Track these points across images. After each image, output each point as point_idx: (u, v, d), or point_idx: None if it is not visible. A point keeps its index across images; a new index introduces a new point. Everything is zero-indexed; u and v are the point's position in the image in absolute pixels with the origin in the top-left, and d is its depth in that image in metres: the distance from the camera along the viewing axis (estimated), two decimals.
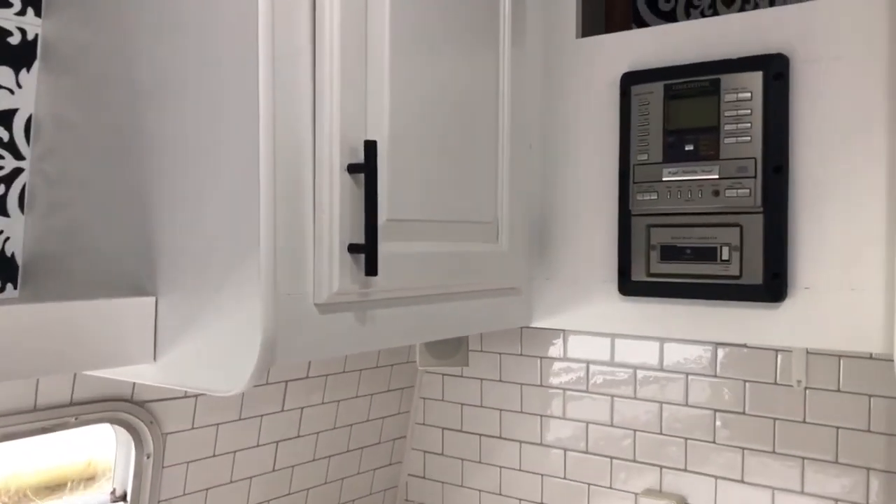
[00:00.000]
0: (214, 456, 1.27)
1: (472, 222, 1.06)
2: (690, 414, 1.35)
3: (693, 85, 1.03)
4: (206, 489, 1.27)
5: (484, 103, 1.08)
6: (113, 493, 1.17)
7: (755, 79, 0.99)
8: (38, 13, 0.98)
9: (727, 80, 1.01)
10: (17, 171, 0.99)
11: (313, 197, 0.85)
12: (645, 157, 1.07)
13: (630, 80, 1.09)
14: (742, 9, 1.34)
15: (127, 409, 1.13)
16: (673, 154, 1.04)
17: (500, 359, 1.55)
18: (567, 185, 1.17)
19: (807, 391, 1.24)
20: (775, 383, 1.27)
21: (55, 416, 1.04)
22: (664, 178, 1.05)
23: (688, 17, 1.39)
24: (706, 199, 1.02)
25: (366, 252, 0.85)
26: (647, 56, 1.10)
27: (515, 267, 1.14)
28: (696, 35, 1.06)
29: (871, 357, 1.19)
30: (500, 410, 1.55)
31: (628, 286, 1.10)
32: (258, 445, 1.34)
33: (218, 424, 1.26)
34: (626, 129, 1.09)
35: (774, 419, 1.27)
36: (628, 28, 1.36)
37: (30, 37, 0.98)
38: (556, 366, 1.49)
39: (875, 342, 0.94)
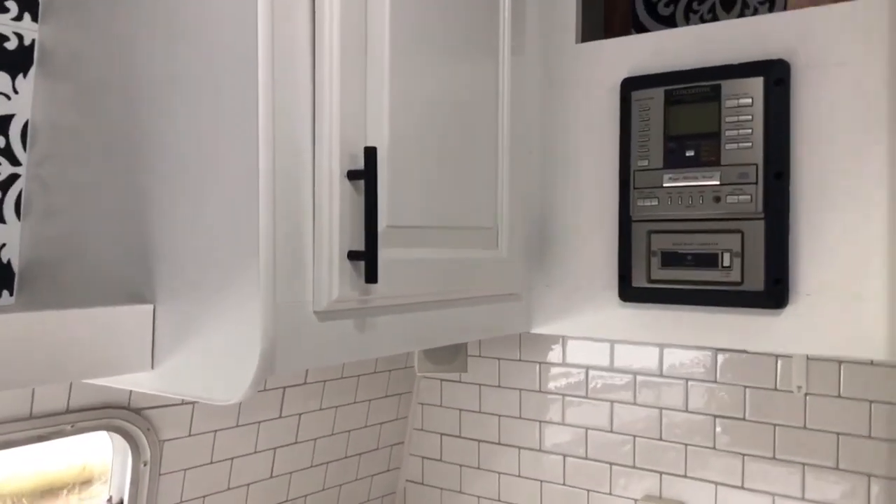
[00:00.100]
0: (212, 463, 1.26)
1: (471, 228, 1.05)
2: (690, 419, 1.34)
3: (694, 90, 1.03)
4: (204, 496, 1.26)
5: (484, 109, 1.07)
6: (109, 500, 1.16)
7: (756, 84, 0.99)
8: (34, 18, 0.97)
9: (728, 85, 1.01)
10: (14, 177, 0.98)
11: (313, 204, 0.84)
12: (645, 162, 1.06)
13: (630, 86, 1.08)
14: (741, 14, 1.33)
15: (124, 416, 1.12)
16: (674, 160, 1.04)
17: (499, 364, 1.54)
18: (567, 191, 1.17)
19: (807, 397, 1.24)
20: (775, 389, 1.27)
21: (51, 423, 1.04)
22: (665, 184, 1.05)
23: (687, 21, 1.38)
24: (707, 205, 1.02)
25: (366, 259, 0.85)
26: (648, 61, 1.09)
27: (515, 273, 1.14)
28: (697, 40, 1.06)
29: (871, 363, 1.19)
30: (499, 416, 1.55)
31: (629, 292, 1.09)
32: (256, 452, 1.33)
33: (215, 431, 1.25)
34: (627, 135, 1.09)
35: (774, 425, 1.27)
36: (628, 33, 1.35)
37: (26, 42, 0.97)
38: (555, 371, 1.48)
39: (877, 349, 0.94)
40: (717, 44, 1.04)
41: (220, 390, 0.80)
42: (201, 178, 0.81)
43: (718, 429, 1.32)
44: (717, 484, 1.32)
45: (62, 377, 0.79)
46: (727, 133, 1.00)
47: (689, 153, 1.03)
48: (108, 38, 0.91)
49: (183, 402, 1.19)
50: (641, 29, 1.42)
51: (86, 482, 1.16)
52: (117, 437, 1.14)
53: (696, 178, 1.02)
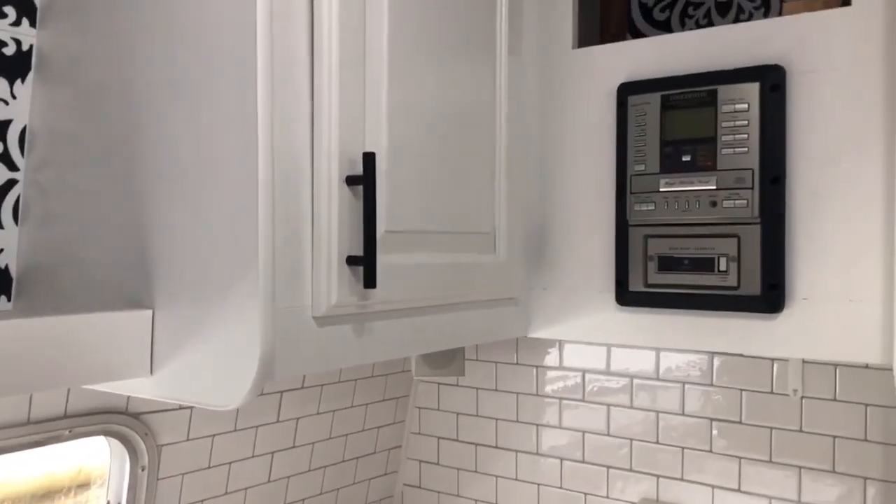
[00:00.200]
0: (209, 467, 1.26)
1: (469, 233, 1.06)
2: (687, 423, 1.35)
3: (690, 96, 1.03)
4: (202, 501, 1.26)
5: (481, 114, 1.08)
6: None
7: (752, 90, 1.00)
8: (32, 24, 0.97)
9: (724, 90, 1.01)
10: (12, 183, 0.98)
11: (311, 209, 0.84)
12: (642, 167, 1.07)
13: (627, 91, 1.09)
14: (736, 19, 1.34)
15: (121, 421, 1.12)
16: (670, 165, 1.05)
17: (496, 368, 1.55)
18: (564, 196, 1.17)
19: (803, 400, 1.24)
20: (771, 392, 1.27)
21: (49, 429, 1.04)
22: (661, 189, 1.05)
23: (683, 26, 1.39)
24: (704, 209, 1.02)
25: (364, 264, 0.85)
26: (644, 66, 1.10)
27: (513, 277, 1.14)
28: (693, 46, 1.07)
29: (867, 366, 1.19)
30: (496, 420, 1.55)
31: (626, 297, 1.10)
32: (253, 456, 1.33)
33: (213, 436, 1.25)
34: (623, 140, 1.09)
35: (771, 428, 1.27)
36: (623, 38, 1.36)
37: (24, 47, 0.97)
38: (552, 374, 1.48)
39: (874, 353, 0.95)
40: (713, 49, 1.05)
41: (219, 396, 0.80)
42: (200, 183, 0.81)
43: (715, 432, 1.32)
44: (713, 487, 1.33)
45: (61, 383, 0.79)
46: (723, 138, 1.01)
47: (686, 158, 1.03)
48: (107, 44, 0.91)
49: (181, 407, 1.19)
50: (637, 34, 1.42)
51: (82, 486, 1.16)
52: (115, 441, 1.14)
53: (692, 183, 1.03)
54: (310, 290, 0.84)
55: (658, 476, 1.38)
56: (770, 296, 0.99)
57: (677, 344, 1.09)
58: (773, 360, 1.27)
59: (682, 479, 1.35)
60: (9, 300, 0.98)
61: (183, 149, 0.83)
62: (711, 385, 1.32)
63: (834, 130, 0.97)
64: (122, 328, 0.82)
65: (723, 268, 1.02)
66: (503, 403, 1.54)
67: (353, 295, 0.86)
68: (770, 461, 1.27)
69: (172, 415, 1.18)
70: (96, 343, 0.79)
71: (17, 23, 0.96)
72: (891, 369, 0.92)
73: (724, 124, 1.01)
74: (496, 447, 1.55)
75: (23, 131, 0.98)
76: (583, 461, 1.45)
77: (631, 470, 1.40)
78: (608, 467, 1.43)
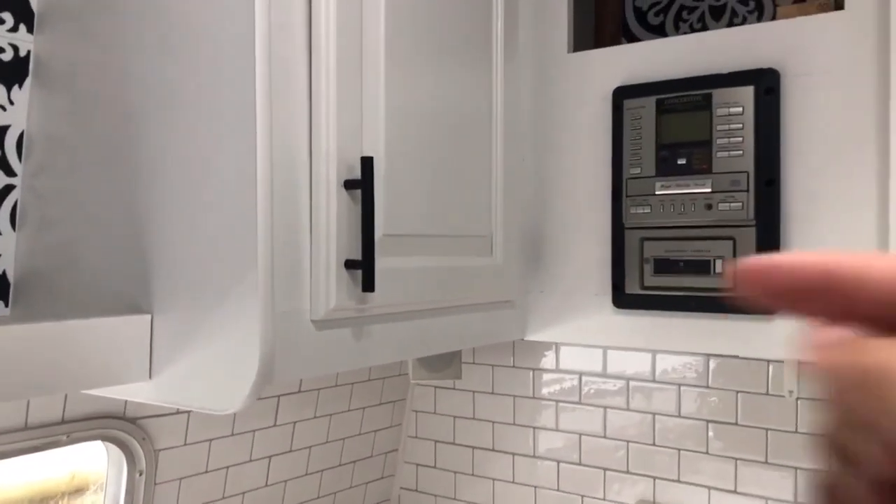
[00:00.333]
0: (207, 472, 1.26)
1: (466, 236, 1.06)
2: (683, 424, 1.35)
3: (685, 99, 1.04)
4: None
5: (478, 118, 1.08)
6: None
7: (747, 93, 1.00)
8: (30, 30, 0.97)
9: (719, 94, 1.02)
10: (9, 188, 0.98)
11: (310, 213, 0.84)
12: (638, 170, 1.07)
13: (622, 95, 1.09)
14: (730, 23, 1.35)
15: (119, 426, 1.12)
16: (666, 168, 1.05)
17: (493, 371, 1.55)
18: (561, 199, 1.18)
19: (798, 401, 1.25)
20: (767, 394, 1.28)
21: (46, 434, 1.03)
22: (657, 192, 1.06)
23: (677, 30, 1.40)
24: (699, 212, 1.03)
25: (363, 268, 0.85)
26: (639, 70, 1.10)
27: (510, 280, 1.15)
28: (688, 50, 1.07)
29: None
30: (493, 423, 1.55)
31: (622, 299, 1.10)
32: (251, 460, 1.33)
33: (210, 440, 1.25)
34: (619, 143, 1.10)
35: (767, 429, 1.28)
36: (618, 42, 1.37)
37: (22, 53, 0.97)
38: (549, 377, 1.49)
39: None
40: (707, 53, 1.06)
41: (218, 400, 0.80)
42: (199, 188, 0.82)
43: (711, 433, 1.33)
44: (709, 488, 1.33)
45: (59, 388, 0.79)
46: (718, 141, 1.02)
47: (681, 161, 1.04)
48: (105, 50, 0.91)
49: (178, 412, 1.19)
50: (631, 38, 1.43)
51: (77, 491, 1.16)
52: (112, 446, 1.14)
53: (687, 186, 1.04)
54: (308, 294, 0.85)
55: (654, 478, 1.38)
56: None
57: (673, 346, 1.09)
58: (768, 361, 1.27)
59: (678, 481, 1.36)
60: (6, 306, 0.98)
61: (182, 154, 0.83)
62: (707, 387, 1.33)
63: (828, 133, 0.98)
64: (120, 333, 0.82)
65: (719, 270, 1.02)
66: (500, 406, 1.54)
67: (351, 299, 0.87)
68: (766, 462, 1.28)
69: (170, 419, 1.18)
70: (95, 348, 0.79)
71: (14, 29, 0.96)
72: None
73: (719, 127, 1.02)
74: (493, 450, 1.55)
75: (20, 137, 0.98)
76: (579, 463, 1.46)
77: (627, 472, 1.41)
78: (605, 469, 1.43)
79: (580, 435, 1.45)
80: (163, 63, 0.85)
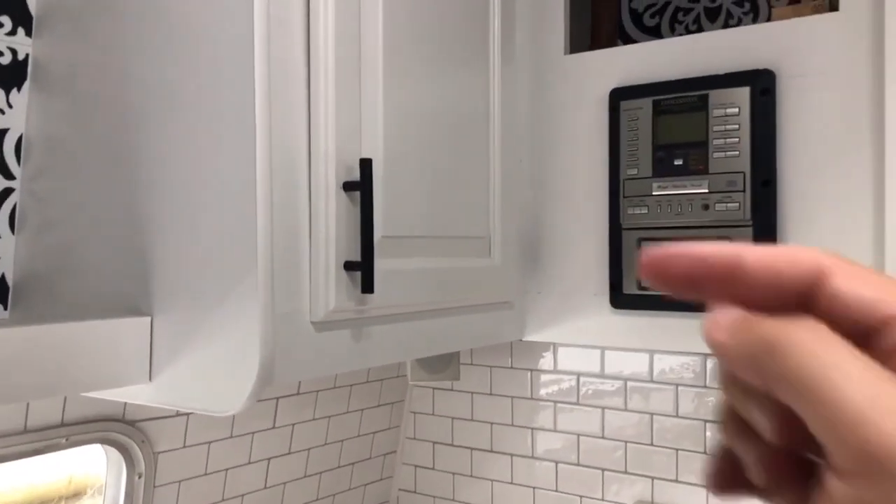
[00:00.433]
0: (206, 474, 1.26)
1: (465, 237, 1.06)
2: (680, 424, 1.35)
3: (681, 100, 1.05)
4: None
5: (475, 120, 1.08)
6: None
7: (742, 94, 1.01)
8: (28, 33, 0.98)
9: (715, 95, 1.03)
10: (8, 191, 0.98)
11: (309, 215, 0.85)
12: (635, 171, 1.08)
13: (619, 96, 1.10)
14: (726, 25, 1.35)
15: (118, 428, 1.12)
16: (662, 169, 1.06)
17: (491, 372, 1.55)
18: (558, 200, 1.18)
19: None
20: None
21: (46, 437, 1.03)
22: (654, 193, 1.06)
23: (672, 32, 1.40)
24: (696, 212, 1.03)
25: (362, 269, 0.86)
26: (636, 72, 1.11)
27: (508, 281, 1.15)
28: (684, 51, 1.08)
29: None
30: (491, 424, 1.55)
31: (620, 299, 1.11)
32: (250, 463, 1.33)
33: (209, 443, 1.25)
34: (616, 144, 1.10)
35: None
36: (614, 44, 1.37)
37: (20, 57, 0.97)
38: (547, 378, 1.49)
39: None
40: (703, 54, 1.06)
41: (218, 401, 0.80)
42: (198, 189, 0.82)
43: (709, 433, 1.33)
44: None
45: (59, 391, 0.79)
46: (715, 142, 1.02)
47: (678, 162, 1.05)
48: (103, 52, 0.91)
49: (177, 414, 1.19)
50: (628, 40, 1.44)
51: (75, 495, 1.16)
52: (112, 449, 1.14)
53: (684, 187, 1.04)
54: (308, 296, 0.85)
55: (653, 478, 1.39)
56: None
57: (671, 346, 1.10)
58: None
59: (676, 481, 1.36)
60: (5, 309, 0.99)
61: (180, 156, 0.84)
62: (705, 387, 1.33)
63: (823, 133, 0.99)
64: (120, 335, 0.82)
65: None
66: (498, 407, 1.55)
67: (350, 300, 0.87)
68: None
69: (169, 422, 1.18)
70: (95, 350, 0.79)
71: (12, 32, 0.96)
72: None
73: (715, 128, 1.02)
74: (491, 451, 1.56)
75: (19, 140, 0.98)
76: (578, 464, 1.46)
77: (626, 472, 1.41)
78: (603, 470, 1.43)
79: (578, 435, 1.46)
80: (162, 65, 0.85)
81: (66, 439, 1.06)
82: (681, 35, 1.31)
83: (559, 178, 1.18)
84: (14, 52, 0.97)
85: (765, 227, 1.00)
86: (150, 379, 0.84)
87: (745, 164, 1.01)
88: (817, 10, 1.03)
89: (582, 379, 1.45)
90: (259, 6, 0.77)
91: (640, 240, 1.08)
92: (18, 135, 0.98)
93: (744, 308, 0.27)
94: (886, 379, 0.23)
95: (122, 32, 0.89)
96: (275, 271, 0.79)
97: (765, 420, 0.27)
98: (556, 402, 1.48)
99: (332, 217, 0.85)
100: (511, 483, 1.54)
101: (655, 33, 1.41)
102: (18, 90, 0.97)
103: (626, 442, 1.41)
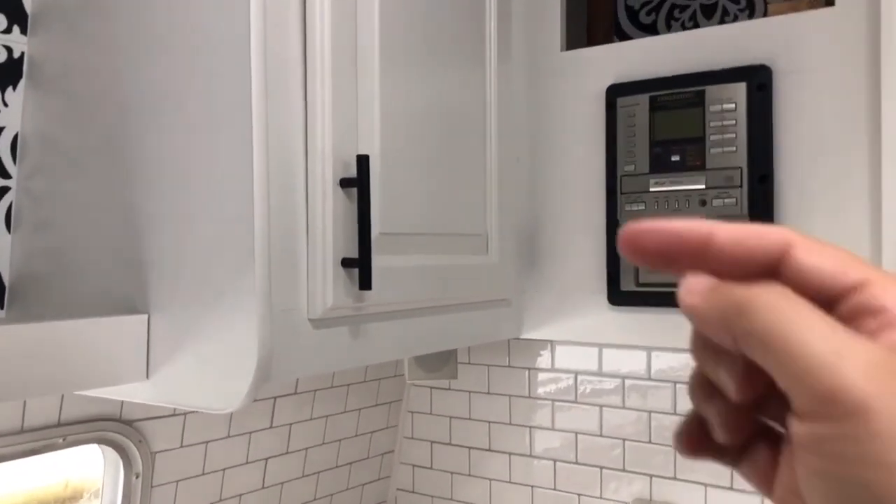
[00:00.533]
0: (204, 474, 1.26)
1: (462, 235, 1.06)
2: (679, 422, 1.35)
3: (678, 96, 1.05)
4: None
5: (472, 118, 1.08)
6: None
7: (739, 90, 1.01)
8: (24, 31, 0.97)
9: (712, 91, 1.03)
10: (4, 190, 0.98)
11: (306, 212, 0.85)
12: (632, 167, 1.08)
13: (616, 92, 1.10)
14: (722, 21, 1.36)
15: (115, 428, 1.11)
16: (659, 165, 1.06)
17: (488, 371, 1.55)
18: (555, 197, 1.18)
19: None
20: None
21: (43, 437, 1.03)
22: (651, 189, 1.06)
23: (669, 29, 1.40)
24: (693, 208, 1.03)
25: (359, 266, 0.86)
26: (633, 68, 1.11)
27: (505, 279, 1.15)
28: (681, 47, 1.08)
29: None
30: (489, 423, 1.55)
31: (618, 296, 1.11)
32: (247, 463, 1.33)
33: (207, 442, 1.25)
34: (613, 141, 1.10)
35: None
36: (610, 41, 1.37)
37: (16, 55, 0.97)
38: (544, 377, 1.49)
39: None
40: (700, 50, 1.06)
41: (216, 399, 0.80)
42: (195, 187, 0.82)
43: None
44: (706, 485, 1.33)
45: (56, 389, 0.79)
46: (712, 137, 1.02)
47: (675, 158, 1.05)
48: (99, 51, 0.91)
49: (174, 413, 1.18)
50: (624, 37, 1.44)
51: (71, 499, 1.16)
52: (109, 449, 1.13)
53: (682, 183, 1.04)
54: (305, 293, 0.85)
55: (651, 475, 1.38)
56: None
57: (669, 342, 1.10)
58: None
59: (674, 479, 1.36)
60: (2, 308, 0.98)
61: (177, 154, 0.83)
62: None
63: (820, 129, 0.99)
64: (117, 333, 0.82)
65: None
66: (496, 406, 1.54)
67: (348, 297, 0.87)
68: None
69: (166, 422, 1.18)
70: (91, 348, 0.79)
71: (7, 30, 0.96)
72: None
73: (712, 124, 1.02)
74: (489, 450, 1.55)
75: (14, 139, 0.98)
76: (576, 462, 1.46)
77: (624, 470, 1.41)
78: (601, 468, 1.43)
79: (576, 434, 1.46)
80: (159, 63, 0.85)
81: (64, 439, 1.06)
82: (677, 32, 1.31)
83: (556, 175, 1.18)
84: (9, 50, 0.96)
85: (762, 222, 1.00)
86: (147, 377, 0.84)
87: (741, 159, 1.01)
88: (813, 5, 1.03)
89: (580, 377, 1.45)
90: (255, 4, 0.77)
91: None
92: (14, 133, 0.98)
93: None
94: (844, 332, 0.26)
95: (119, 30, 0.89)
96: (272, 269, 0.79)
97: (730, 380, 0.29)
98: (553, 400, 1.48)
99: (329, 214, 0.85)
100: (509, 482, 1.54)
101: (651, 30, 1.41)
102: (14, 88, 0.97)
103: (624, 440, 1.41)
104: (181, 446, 1.21)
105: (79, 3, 0.93)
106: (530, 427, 1.51)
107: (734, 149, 1.01)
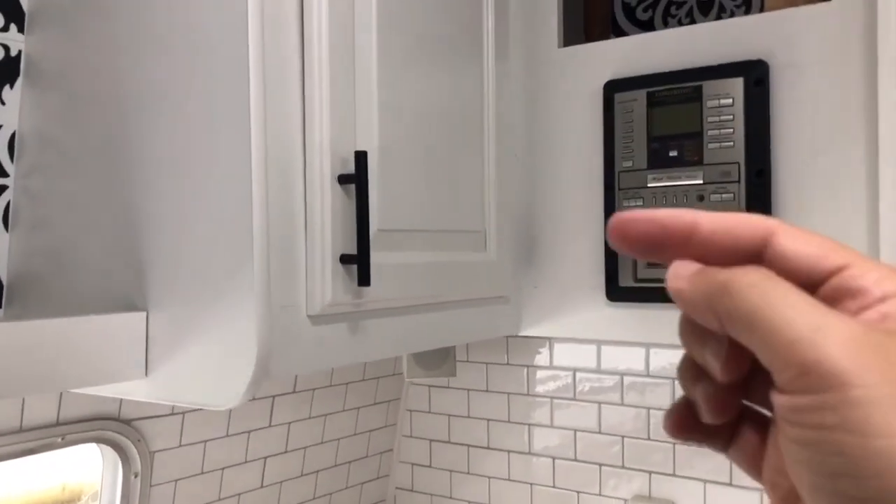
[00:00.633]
0: (202, 473, 1.25)
1: (460, 231, 1.06)
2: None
3: (676, 92, 1.05)
4: None
5: (469, 114, 1.08)
6: None
7: (736, 85, 1.01)
8: (21, 30, 0.97)
9: (709, 86, 1.03)
10: (1, 189, 0.98)
11: (305, 208, 0.85)
12: (630, 163, 1.08)
13: (613, 88, 1.10)
14: (718, 17, 1.36)
15: (114, 427, 1.11)
16: (657, 160, 1.06)
17: (487, 369, 1.55)
18: (553, 193, 1.18)
19: None
20: None
21: (41, 436, 1.03)
22: (649, 185, 1.06)
23: (665, 26, 1.41)
24: (691, 204, 1.03)
25: (358, 262, 0.85)
26: (630, 64, 1.11)
27: (504, 275, 1.15)
28: (678, 43, 1.08)
29: None
30: (488, 420, 1.55)
31: (616, 292, 1.11)
32: (246, 462, 1.33)
33: (205, 441, 1.25)
34: (611, 137, 1.10)
35: None
36: (607, 37, 1.37)
37: (13, 53, 0.97)
38: (543, 374, 1.49)
39: None
40: (697, 46, 1.06)
41: (215, 396, 0.80)
42: (193, 184, 0.82)
43: None
44: (705, 482, 1.34)
45: (55, 387, 0.79)
46: (709, 133, 1.02)
47: (673, 153, 1.05)
48: (97, 49, 0.91)
49: (173, 413, 1.18)
50: (620, 34, 1.44)
51: (69, 502, 1.15)
52: (107, 448, 1.13)
53: (679, 178, 1.04)
54: (304, 289, 0.85)
55: (650, 472, 1.39)
56: None
57: (667, 338, 1.09)
58: None
59: (673, 475, 1.36)
60: (0, 307, 0.98)
61: (175, 151, 0.83)
62: None
63: (817, 123, 0.99)
64: (115, 330, 0.82)
65: None
66: (494, 404, 1.54)
67: (347, 293, 0.87)
68: None
69: (164, 420, 1.18)
70: (90, 346, 0.79)
71: (5, 28, 0.96)
72: None
73: (709, 119, 1.02)
74: (488, 448, 1.55)
75: (12, 137, 0.98)
76: (575, 459, 1.46)
77: (623, 467, 1.41)
78: (600, 465, 1.43)
79: (575, 431, 1.46)
80: (156, 60, 0.85)
81: (62, 438, 1.06)
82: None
83: (554, 172, 1.18)
84: (6, 48, 0.96)
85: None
86: (145, 374, 0.84)
87: (739, 154, 1.01)
88: (809, 0, 1.03)
89: (578, 374, 1.45)
90: (253, 0, 0.77)
91: None
92: (11, 132, 0.98)
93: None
94: (824, 309, 0.27)
95: (115, 28, 0.89)
96: (271, 265, 0.79)
97: (715, 361, 0.30)
98: (552, 397, 1.48)
99: (327, 210, 0.85)
100: (508, 479, 1.54)
101: (648, 27, 1.42)
102: (11, 87, 0.97)
103: (623, 437, 1.41)
104: (180, 445, 1.21)
105: (76, 2, 0.93)
106: (529, 425, 1.51)
107: (731, 144, 1.01)
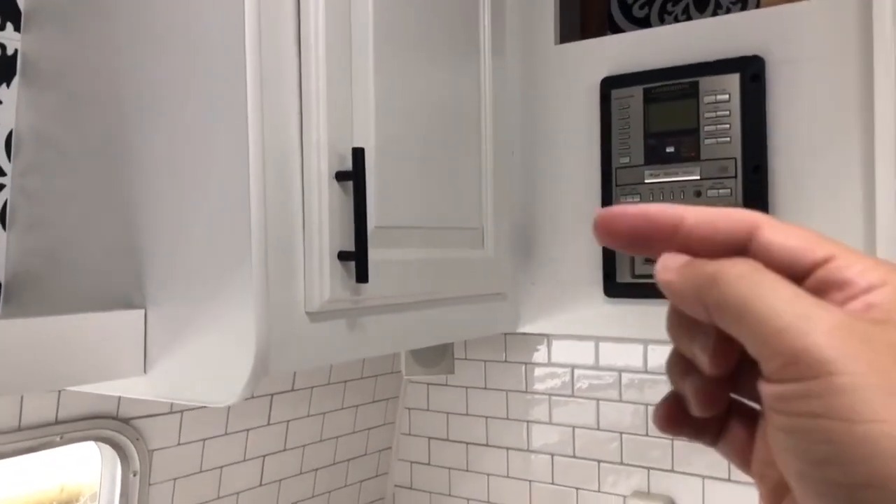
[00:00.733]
0: (201, 472, 1.26)
1: (458, 228, 1.06)
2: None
3: (672, 88, 1.05)
4: None
5: (466, 111, 1.09)
6: None
7: (733, 80, 1.01)
8: (17, 28, 0.97)
9: (705, 82, 1.03)
10: None
11: (302, 205, 0.85)
12: (627, 159, 1.08)
13: (610, 85, 1.10)
14: (714, 14, 1.36)
15: (113, 426, 1.11)
16: (654, 156, 1.06)
17: (485, 366, 1.55)
18: (550, 190, 1.18)
19: None
20: None
21: (40, 435, 1.03)
22: (646, 181, 1.07)
23: (662, 23, 1.41)
24: (688, 199, 1.04)
25: (356, 259, 0.86)
26: (627, 60, 1.11)
27: (501, 272, 1.15)
28: (674, 39, 1.08)
29: None
30: (486, 418, 1.55)
31: (613, 288, 1.11)
32: (245, 460, 1.33)
33: (204, 440, 1.25)
34: (607, 133, 1.10)
35: None
36: (604, 34, 1.37)
37: (9, 52, 0.97)
38: (541, 371, 1.49)
39: None
40: (693, 42, 1.07)
41: (214, 393, 0.80)
42: (191, 181, 0.82)
43: None
44: (703, 478, 1.34)
45: (53, 384, 0.79)
46: (706, 128, 1.03)
47: (670, 149, 1.05)
48: (93, 47, 0.91)
49: (171, 411, 1.18)
50: (617, 31, 1.44)
51: (68, 502, 1.15)
52: (106, 447, 1.13)
53: (676, 174, 1.04)
54: (302, 286, 0.85)
55: (649, 469, 1.39)
56: None
57: (665, 335, 1.09)
58: None
59: (672, 471, 1.36)
60: None
61: (172, 149, 0.83)
62: None
63: (813, 119, 0.99)
64: (114, 328, 0.82)
65: None
66: (493, 401, 1.55)
67: (345, 290, 0.87)
68: None
69: (163, 419, 1.18)
70: (88, 343, 0.79)
71: (1, 27, 0.96)
72: None
73: (706, 115, 1.02)
74: (487, 445, 1.56)
75: (9, 136, 0.98)
76: (574, 456, 1.46)
77: (622, 463, 1.41)
78: (599, 462, 1.44)
79: (573, 428, 1.46)
80: (153, 58, 0.85)
81: (61, 437, 1.06)
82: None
83: (551, 168, 1.18)
84: (3, 47, 0.96)
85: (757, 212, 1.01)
86: (144, 371, 0.84)
87: (736, 150, 1.01)
88: None
89: (576, 371, 1.45)
90: None
91: None
92: (8, 130, 0.98)
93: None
94: (810, 298, 0.28)
95: (112, 27, 0.89)
96: (269, 262, 0.79)
97: (703, 354, 0.31)
98: (550, 395, 1.48)
99: (325, 207, 0.85)
100: (507, 477, 1.54)
101: (645, 24, 1.42)
102: (8, 86, 0.97)
103: (621, 433, 1.41)
104: (178, 444, 1.21)
105: (73, 1, 0.93)
106: (527, 422, 1.51)
107: (728, 139, 1.01)
